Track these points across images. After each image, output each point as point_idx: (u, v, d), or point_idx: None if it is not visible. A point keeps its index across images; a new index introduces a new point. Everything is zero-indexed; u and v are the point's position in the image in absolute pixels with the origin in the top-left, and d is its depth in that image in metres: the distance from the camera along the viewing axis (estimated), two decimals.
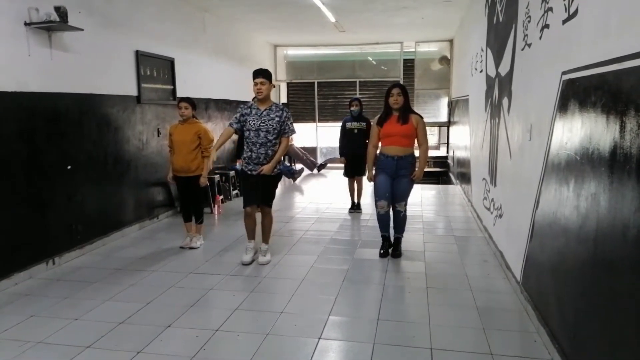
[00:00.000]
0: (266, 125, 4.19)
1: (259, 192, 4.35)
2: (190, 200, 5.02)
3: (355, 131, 6.42)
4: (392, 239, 4.65)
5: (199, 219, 5.08)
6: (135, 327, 3.18)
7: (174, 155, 4.85)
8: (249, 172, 4.31)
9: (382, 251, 4.59)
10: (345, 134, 6.55)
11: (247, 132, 4.25)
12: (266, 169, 4.22)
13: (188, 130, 4.80)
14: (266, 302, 3.61)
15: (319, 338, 3.00)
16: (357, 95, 7.07)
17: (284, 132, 4.29)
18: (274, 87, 4.34)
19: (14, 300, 3.65)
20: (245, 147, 4.33)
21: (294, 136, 12.85)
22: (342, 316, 3.34)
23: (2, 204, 3.89)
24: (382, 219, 4.52)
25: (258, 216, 4.54)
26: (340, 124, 6.72)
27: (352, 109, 6.46)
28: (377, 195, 4.45)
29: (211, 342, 2.96)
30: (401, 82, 11.34)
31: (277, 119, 4.22)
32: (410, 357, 2.78)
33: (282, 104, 12.18)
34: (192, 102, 4.87)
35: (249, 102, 4.33)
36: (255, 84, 4.18)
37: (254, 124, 4.20)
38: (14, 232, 4.01)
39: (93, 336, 3.03)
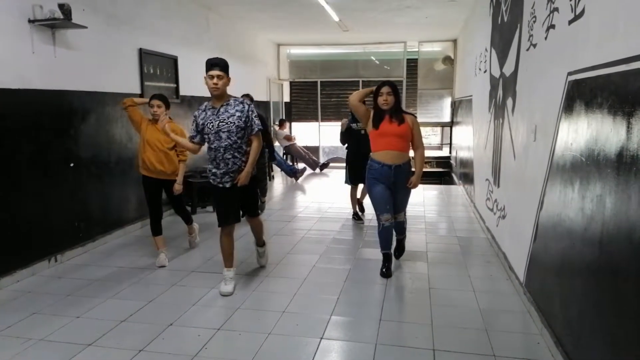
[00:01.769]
0: (226, 124, 3.54)
1: (237, 205, 3.77)
2: (174, 204, 4.62)
3: (362, 132, 6.29)
4: (393, 249, 4.33)
5: (188, 220, 4.77)
6: (137, 325, 3.18)
7: (145, 152, 4.26)
8: (220, 185, 3.65)
9: (384, 270, 4.06)
10: (350, 135, 6.31)
11: (207, 137, 3.60)
12: (242, 178, 3.59)
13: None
14: (268, 301, 3.60)
15: (321, 338, 2.99)
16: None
17: (251, 129, 3.62)
18: (229, 80, 3.62)
19: (16, 298, 3.65)
20: (208, 156, 3.68)
21: (295, 135, 12.76)
22: (344, 316, 3.33)
23: (5, 201, 3.89)
24: (386, 234, 4.06)
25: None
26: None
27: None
28: (379, 209, 4.01)
29: (213, 341, 2.96)
30: (404, 82, 11.42)
31: (237, 114, 3.55)
32: (412, 357, 2.76)
33: (285, 102, 12.27)
34: (165, 100, 4.28)
35: (203, 104, 3.70)
36: (211, 77, 3.45)
37: (212, 126, 3.54)
38: (16, 229, 4.01)
39: (95, 334, 3.03)
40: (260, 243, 4.25)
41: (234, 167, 3.62)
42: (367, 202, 6.79)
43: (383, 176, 3.94)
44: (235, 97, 3.70)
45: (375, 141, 3.99)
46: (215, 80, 3.46)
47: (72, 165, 4.62)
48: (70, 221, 4.62)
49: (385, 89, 3.92)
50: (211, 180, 3.70)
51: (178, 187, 4.38)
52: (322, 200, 7.67)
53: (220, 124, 3.54)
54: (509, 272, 4.02)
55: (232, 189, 3.66)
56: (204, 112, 3.62)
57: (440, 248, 4.93)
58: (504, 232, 4.39)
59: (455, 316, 3.29)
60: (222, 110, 3.57)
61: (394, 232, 4.26)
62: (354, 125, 6.10)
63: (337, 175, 10.55)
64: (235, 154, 3.60)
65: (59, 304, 3.53)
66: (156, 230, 4.46)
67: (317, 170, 11.00)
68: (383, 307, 3.44)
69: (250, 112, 3.60)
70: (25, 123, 4.07)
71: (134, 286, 3.88)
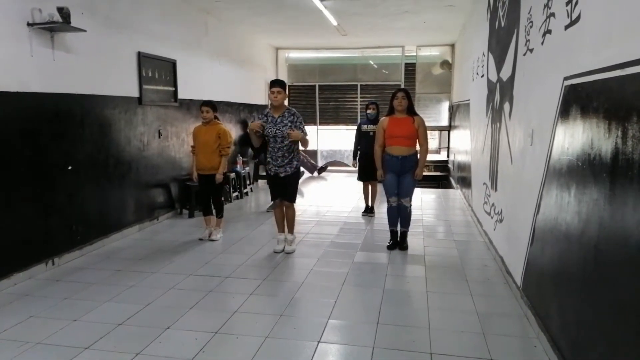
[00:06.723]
0: (281, 131, 4.57)
1: (280, 190, 4.78)
2: (213, 195, 5.39)
3: (371, 133, 6.39)
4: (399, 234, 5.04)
5: (220, 213, 5.44)
6: (134, 328, 3.17)
7: (198, 155, 5.28)
8: (271, 173, 4.76)
9: (390, 243, 5.00)
10: (360, 136, 6.59)
11: (267, 138, 4.67)
12: (293, 135, 4.53)
13: (210, 132, 5.23)
14: (265, 304, 3.60)
15: (319, 341, 2.99)
16: (373, 100, 7.22)
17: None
18: (287, 96, 4.82)
19: (13, 301, 3.64)
20: (268, 150, 4.74)
21: None
22: (342, 320, 3.33)
23: (3, 203, 3.88)
24: (391, 212, 4.98)
25: None
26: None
27: (368, 112, 6.56)
28: (387, 193, 4.93)
29: (210, 344, 2.95)
30: (402, 86, 11.48)
31: (289, 124, 4.58)
32: None
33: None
34: (213, 105, 5.32)
35: (266, 109, 4.76)
36: (272, 92, 4.56)
37: (270, 131, 4.60)
38: (14, 232, 4.00)
39: (92, 337, 3.02)
40: (290, 230, 4.92)
41: (281, 164, 4.68)
42: (375, 207, 6.83)
43: (393, 165, 4.78)
44: (288, 108, 4.70)
45: (388, 140, 4.82)
46: (275, 94, 4.54)
47: (70, 168, 4.61)
48: (67, 224, 4.61)
49: (400, 94, 4.77)
50: (268, 170, 4.82)
51: (219, 177, 5.25)
52: (320, 203, 7.68)
53: (277, 131, 4.58)
54: (506, 276, 4.03)
55: (276, 177, 4.73)
56: (266, 117, 4.67)
57: (437, 252, 4.94)
58: (501, 236, 4.40)
59: (452, 320, 3.30)
60: (279, 120, 4.61)
61: (399, 225, 4.99)
62: (364, 127, 6.48)
63: (335, 178, 10.57)
64: (285, 154, 4.65)
65: (56, 307, 3.52)
66: (206, 211, 5.44)
67: (315, 173, 11.01)
68: (380, 311, 3.44)
69: (298, 123, 4.61)
70: (23, 126, 4.07)
71: (131, 289, 3.87)
